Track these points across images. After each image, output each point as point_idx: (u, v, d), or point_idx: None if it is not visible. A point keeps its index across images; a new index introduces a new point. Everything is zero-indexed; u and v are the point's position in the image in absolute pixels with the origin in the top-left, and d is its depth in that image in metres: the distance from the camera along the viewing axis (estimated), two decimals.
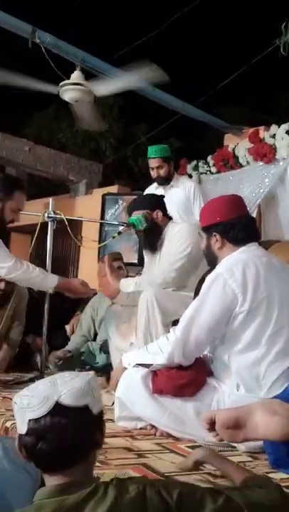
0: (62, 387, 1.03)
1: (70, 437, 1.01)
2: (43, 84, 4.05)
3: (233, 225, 2.00)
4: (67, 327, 4.10)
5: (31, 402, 1.02)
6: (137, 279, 2.83)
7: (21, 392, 1.06)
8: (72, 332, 4.08)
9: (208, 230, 2.09)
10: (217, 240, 2.04)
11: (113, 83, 4.00)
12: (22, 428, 1.03)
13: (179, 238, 2.82)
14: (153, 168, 4.00)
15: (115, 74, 4.49)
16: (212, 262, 2.11)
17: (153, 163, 4.00)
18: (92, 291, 2.99)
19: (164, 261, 2.85)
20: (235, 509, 0.99)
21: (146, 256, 3.13)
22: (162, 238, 2.93)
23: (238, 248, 2.01)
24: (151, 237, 2.94)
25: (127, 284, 2.80)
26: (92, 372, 1.11)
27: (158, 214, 2.93)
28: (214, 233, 2.05)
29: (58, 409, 1.01)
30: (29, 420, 1.01)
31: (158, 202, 3.05)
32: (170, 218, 3.04)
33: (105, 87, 4.03)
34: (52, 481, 1.02)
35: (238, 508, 0.99)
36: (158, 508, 0.95)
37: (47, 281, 2.80)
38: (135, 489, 0.97)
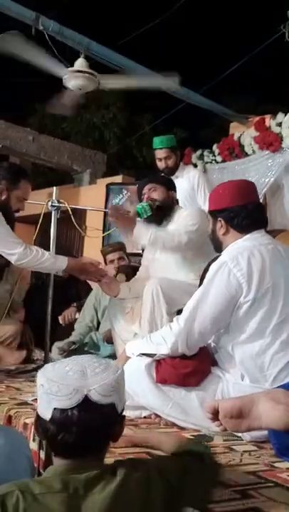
0: (93, 380, 1.03)
1: (93, 433, 1.02)
2: (53, 63, 3.92)
3: (238, 212, 1.97)
4: (60, 318, 4.08)
5: (60, 390, 1.01)
6: (153, 232, 2.73)
7: (48, 374, 1.05)
8: (65, 322, 4.07)
9: (213, 214, 2.07)
10: (222, 226, 2.02)
11: (124, 81, 3.96)
12: (45, 413, 1.03)
13: (188, 215, 2.83)
14: (161, 159, 3.97)
15: (121, 63, 4.46)
16: (217, 246, 2.09)
17: (160, 153, 3.97)
18: (103, 271, 2.96)
19: (174, 229, 2.82)
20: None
21: None
22: (170, 219, 2.92)
23: (243, 235, 1.98)
24: (162, 215, 2.91)
25: (143, 234, 2.71)
26: (120, 367, 1.10)
27: (173, 194, 2.99)
28: (219, 218, 2.03)
29: (86, 404, 1.01)
30: (55, 408, 1.01)
31: (174, 185, 3.11)
32: (178, 203, 3.09)
33: (114, 82, 3.99)
34: (62, 461, 1.04)
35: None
36: (161, 487, 1.03)
37: (57, 263, 2.79)
38: (143, 469, 1.03)
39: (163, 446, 1.41)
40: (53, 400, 1.01)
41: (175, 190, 3.06)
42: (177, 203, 3.07)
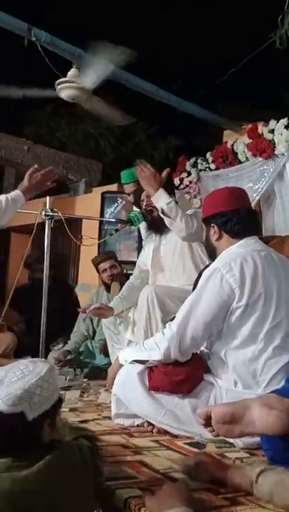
0: (3, 390, 1.09)
1: (2, 436, 1.08)
2: (41, 91, 4.04)
3: (231, 216, 1.99)
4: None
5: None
6: (173, 201, 2.73)
7: None
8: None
9: (207, 221, 2.09)
10: (215, 232, 2.03)
11: (94, 72, 3.96)
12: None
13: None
14: (130, 194, 3.81)
15: (114, 73, 4.49)
16: (211, 253, 2.11)
17: (129, 188, 3.87)
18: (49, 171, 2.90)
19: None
20: None
21: (150, 240, 3.09)
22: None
23: (236, 240, 1.99)
24: (160, 222, 2.88)
25: (163, 198, 2.70)
26: (42, 374, 1.14)
27: (173, 198, 2.94)
28: (212, 224, 2.04)
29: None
30: None
31: (172, 190, 3.12)
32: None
33: (91, 78, 4.00)
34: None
35: None
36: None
37: (16, 198, 2.71)
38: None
39: None
40: None
41: (174, 195, 3.05)
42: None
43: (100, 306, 3.06)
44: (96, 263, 3.94)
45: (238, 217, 2.00)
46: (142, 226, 3.31)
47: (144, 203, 2.97)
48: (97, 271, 4.00)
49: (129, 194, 3.76)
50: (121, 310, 2.99)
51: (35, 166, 2.94)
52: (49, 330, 3.78)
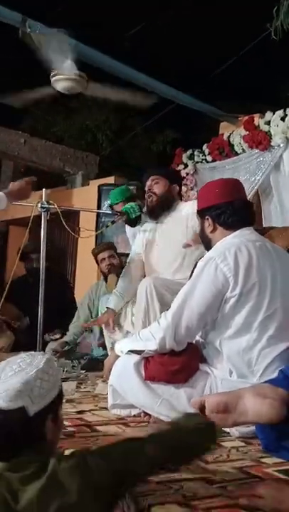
0: (0, 386, 1.03)
1: (2, 436, 1.01)
2: (39, 92, 4.04)
3: (225, 208, 1.99)
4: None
5: None
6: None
7: None
8: None
9: (201, 213, 2.09)
10: (209, 224, 2.04)
11: (104, 91, 3.99)
12: None
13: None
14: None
15: (109, 65, 4.48)
16: (207, 245, 2.11)
17: (118, 208, 3.68)
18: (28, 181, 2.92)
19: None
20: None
21: (145, 228, 3.08)
22: (171, 210, 2.94)
23: (230, 232, 1.99)
24: (162, 206, 2.92)
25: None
26: (41, 366, 1.08)
27: (175, 188, 2.99)
28: (207, 217, 2.04)
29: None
30: None
31: (178, 179, 3.16)
32: (181, 198, 3.11)
33: (101, 91, 4.01)
34: None
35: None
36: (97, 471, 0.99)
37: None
38: (77, 457, 1.01)
39: None
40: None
41: (179, 183, 3.10)
42: (180, 198, 3.07)
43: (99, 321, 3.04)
44: (95, 253, 3.97)
45: (232, 209, 2.00)
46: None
47: (147, 189, 2.96)
48: (96, 262, 4.02)
49: (119, 213, 3.22)
50: (122, 306, 2.98)
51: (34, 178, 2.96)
52: (45, 321, 3.81)
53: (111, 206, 3.69)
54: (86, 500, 0.95)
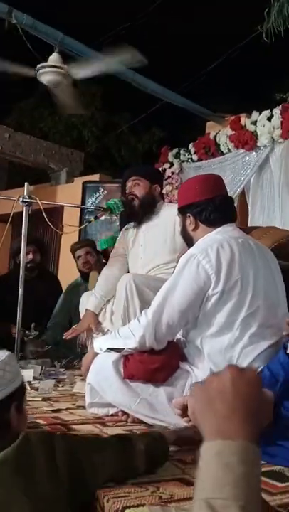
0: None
1: None
2: (19, 67, 3.95)
3: (206, 205, 1.96)
4: None
5: None
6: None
7: None
8: None
9: (182, 211, 2.05)
10: (191, 222, 2.01)
11: (91, 66, 3.90)
12: None
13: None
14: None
15: (95, 56, 4.41)
16: (189, 243, 2.07)
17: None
18: None
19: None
20: None
21: (128, 228, 3.02)
22: (154, 212, 2.88)
23: (212, 229, 1.96)
24: (144, 208, 2.86)
25: None
26: (3, 358, 1.17)
27: (156, 188, 2.92)
28: (188, 214, 2.01)
29: None
30: None
31: (159, 178, 3.07)
32: (163, 198, 3.06)
33: (84, 71, 3.94)
34: None
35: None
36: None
37: None
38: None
39: None
40: None
41: (160, 183, 3.02)
42: (162, 198, 3.01)
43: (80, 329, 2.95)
44: (72, 250, 3.91)
45: (212, 206, 1.97)
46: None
47: (128, 191, 2.91)
48: (74, 258, 3.97)
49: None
50: (101, 306, 2.92)
51: None
52: (34, 319, 3.75)
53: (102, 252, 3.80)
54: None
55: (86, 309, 2.92)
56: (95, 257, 3.84)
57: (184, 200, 2.04)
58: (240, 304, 1.79)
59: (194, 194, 2.00)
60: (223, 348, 1.80)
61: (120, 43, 3.78)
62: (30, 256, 4.02)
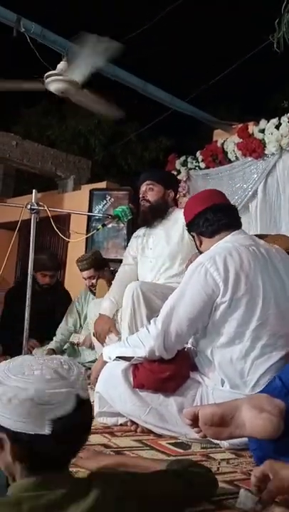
0: (73, 377, 0.95)
1: (86, 435, 0.97)
2: (30, 83, 3.98)
3: (198, 220, 2.02)
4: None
5: (52, 397, 0.91)
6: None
7: (29, 385, 0.91)
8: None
9: (188, 232, 2.16)
10: (196, 239, 2.07)
11: (81, 65, 3.89)
12: (38, 428, 0.90)
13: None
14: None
15: (103, 68, 4.43)
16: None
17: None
18: None
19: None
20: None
21: (139, 234, 3.01)
22: (164, 217, 2.87)
23: (216, 239, 1.97)
24: (155, 213, 2.85)
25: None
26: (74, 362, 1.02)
27: (170, 194, 2.91)
28: (192, 233, 2.09)
29: (80, 404, 0.93)
30: (52, 419, 0.90)
31: (174, 184, 3.08)
32: (177, 203, 3.04)
33: (79, 71, 3.92)
34: (32, 477, 0.92)
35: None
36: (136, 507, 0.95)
37: None
38: (118, 486, 0.96)
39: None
40: (49, 412, 0.90)
41: (175, 189, 3.02)
42: (176, 204, 3.00)
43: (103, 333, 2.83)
44: (78, 268, 3.89)
45: (203, 218, 2.01)
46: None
47: (141, 195, 2.90)
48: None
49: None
50: (114, 311, 2.85)
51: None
52: (41, 329, 3.75)
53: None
54: None
55: (101, 314, 2.85)
56: (97, 276, 3.80)
57: (185, 221, 2.13)
58: (251, 313, 1.76)
59: (188, 214, 2.08)
60: (234, 359, 1.77)
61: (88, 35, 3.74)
62: (47, 280, 4.06)
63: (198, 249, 2.10)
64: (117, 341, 2.70)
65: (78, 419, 0.93)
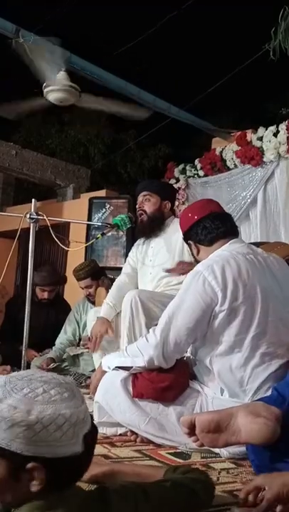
0: (77, 391, 0.95)
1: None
2: (29, 102, 4.04)
3: (195, 229, 2.02)
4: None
5: (81, 414, 0.91)
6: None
7: (61, 407, 0.89)
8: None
9: (186, 241, 2.14)
10: (193, 247, 2.06)
11: (99, 103, 3.97)
12: (74, 448, 0.88)
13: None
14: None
15: (103, 77, 4.47)
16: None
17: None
18: None
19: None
20: None
21: (140, 243, 3.01)
22: (162, 228, 2.89)
23: (213, 247, 1.96)
24: (152, 224, 2.87)
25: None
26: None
27: (167, 205, 2.91)
28: (189, 242, 2.08)
29: (90, 416, 0.96)
30: (84, 435, 0.91)
31: (171, 194, 3.08)
32: (174, 213, 3.05)
33: (93, 104, 4.00)
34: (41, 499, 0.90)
35: None
36: None
37: None
38: (131, 499, 0.97)
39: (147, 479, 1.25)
40: (82, 429, 0.90)
41: (172, 200, 3.03)
42: (174, 214, 3.00)
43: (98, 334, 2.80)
44: (75, 278, 3.90)
45: (201, 226, 2.01)
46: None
47: (138, 206, 2.92)
48: None
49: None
50: (112, 315, 2.86)
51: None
52: (40, 340, 3.74)
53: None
54: None
55: (98, 317, 2.83)
56: (95, 286, 3.80)
57: (182, 231, 2.12)
58: (249, 321, 1.76)
59: (185, 223, 2.08)
60: (233, 368, 1.76)
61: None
62: (46, 295, 4.07)
63: (194, 258, 2.09)
64: (113, 341, 2.72)
65: (94, 430, 0.95)
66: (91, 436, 0.93)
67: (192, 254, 2.11)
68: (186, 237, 2.10)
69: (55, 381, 0.93)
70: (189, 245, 2.10)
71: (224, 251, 1.92)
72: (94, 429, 0.95)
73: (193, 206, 2.17)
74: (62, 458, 0.87)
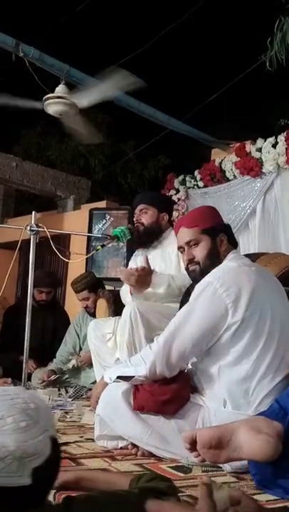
0: (44, 417, 0.92)
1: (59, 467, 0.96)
2: (29, 102, 4.04)
3: (229, 228, 2.02)
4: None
5: (31, 448, 0.87)
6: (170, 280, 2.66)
7: (8, 440, 0.86)
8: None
9: (213, 231, 1.97)
10: (223, 242, 1.96)
11: (92, 93, 3.96)
12: (20, 480, 0.86)
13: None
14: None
15: (94, 84, 4.49)
16: (212, 266, 1.92)
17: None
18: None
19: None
20: None
21: (138, 254, 3.02)
22: (160, 240, 2.90)
23: (232, 251, 1.97)
24: (149, 236, 2.88)
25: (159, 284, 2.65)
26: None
27: (164, 217, 2.92)
28: (222, 234, 1.97)
29: (54, 443, 0.93)
30: (33, 469, 0.88)
31: (168, 206, 3.09)
32: (172, 225, 3.02)
33: (87, 99, 3.99)
34: None
35: None
36: None
37: None
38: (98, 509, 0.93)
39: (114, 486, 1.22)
40: (31, 462, 0.87)
41: (170, 212, 3.04)
42: (171, 224, 3.00)
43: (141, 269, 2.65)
44: (73, 290, 3.91)
45: (230, 229, 2.03)
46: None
47: (135, 218, 2.93)
48: None
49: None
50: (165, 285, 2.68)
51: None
52: (40, 349, 3.74)
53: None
54: None
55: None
56: (93, 298, 3.81)
57: (212, 221, 2.00)
58: (259, 333, 1.75)
59: (218, 216, 2.05)
60: (240, 379, 1.74)
61: (117, 69, 3.84)
62: (43, 297, 4.09)
63: (214, 251, 1.95)
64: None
65: (55, 459, 0.92)
66: (42, 470, 0.88)
67: (213, 247, 1.95)
68: (220, 229, 1.98)
69: (20, 407, 0.90)
70: (217, 238, 1.95)
71: (230, 262, 1.92)
72: (53, 460, 0.91)
73: (213, 208, 2.13)
74: (9, 487, 0.85)
